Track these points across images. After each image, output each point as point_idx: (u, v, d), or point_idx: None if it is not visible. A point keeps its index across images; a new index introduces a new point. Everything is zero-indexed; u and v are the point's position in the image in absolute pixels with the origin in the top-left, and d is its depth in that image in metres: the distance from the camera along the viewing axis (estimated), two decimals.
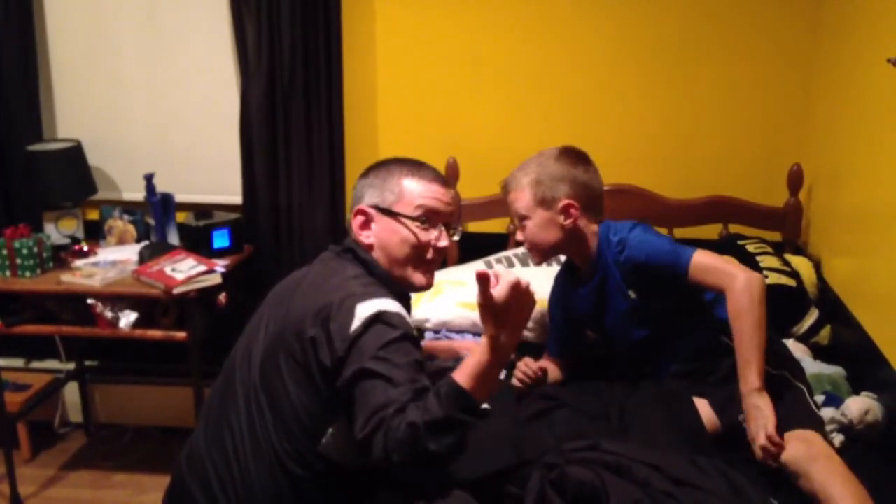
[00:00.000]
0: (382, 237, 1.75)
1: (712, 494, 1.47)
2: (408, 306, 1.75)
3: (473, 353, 1.50)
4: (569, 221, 2.03)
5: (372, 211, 1.75)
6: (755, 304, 1.82)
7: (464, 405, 1.44)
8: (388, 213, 1.75)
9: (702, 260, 1.92)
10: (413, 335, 1.58)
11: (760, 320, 1.82)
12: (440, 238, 1.76)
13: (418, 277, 1.76)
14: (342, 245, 1.78)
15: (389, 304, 1.58)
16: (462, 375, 1.47)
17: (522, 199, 2.05)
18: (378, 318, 1.54)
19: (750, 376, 1.80)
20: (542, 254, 2.10)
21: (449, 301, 2.53)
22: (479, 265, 2.77)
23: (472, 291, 2.58)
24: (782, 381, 1.92)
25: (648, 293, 2.01)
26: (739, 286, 1.83)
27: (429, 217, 1.74)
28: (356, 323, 1.52)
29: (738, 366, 1.83)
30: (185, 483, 1.70)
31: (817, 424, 1.82)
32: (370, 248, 1.75)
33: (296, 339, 1.59)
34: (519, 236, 2.10)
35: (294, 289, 1.72)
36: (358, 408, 1.48)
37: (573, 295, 2.19)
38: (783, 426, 1.77)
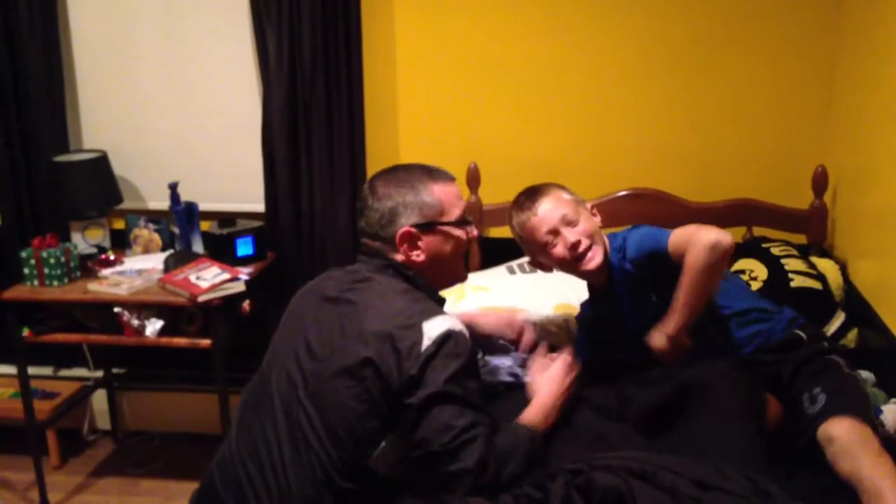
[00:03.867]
0: (434, 250, 1.78)
1: (741, 497, 1.45)
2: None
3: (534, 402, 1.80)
4: (597, 219, 2.10)
5: (417, 230, 1.75)
6: (706, 263, 1.82)
7: (535, 449, 1.67)
8: (435, 225, 1.77)
9: (677, 231, 1.93)
10: (476, 355, 1.69)
11: (706, 279, 1.83)
12: (473, 230, 1.87)
13: (463, 273, 1.91)
14: (380, 258, 1.77)
15: (454, 323, 1.64)
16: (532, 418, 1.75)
17: (565, 202, 2.06)
18: (448, 338, 1.59)
19: (668, 321, 1.88)
20: (601, 245, 2.04)
21: (472, 306, 2.53)
22: (500, 270, 2.77)
23: (495, 296, 2.60)
24: (840, 367, 1.92)
25: (664, 291, 2.00)
26: (703, 242, 1.83)
27: (467, 216, 1.82)
28: (426, 342, 1.58)
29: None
30: (216, 491, 1.70)
31: (870, 419, 1.79)
32: (422, 264, 1.77)
33: (352, 358, 1.60)
34: (573, 236, 2.01)
35: (338, 303, 1.72)
36: (435, 425, 1.56)
37: (598, 311, 2.18)
38: (844, 408, 1.75)
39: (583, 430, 1.87)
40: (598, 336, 2.22)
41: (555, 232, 2.03)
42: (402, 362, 1.57)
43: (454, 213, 1.80)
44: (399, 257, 1.76)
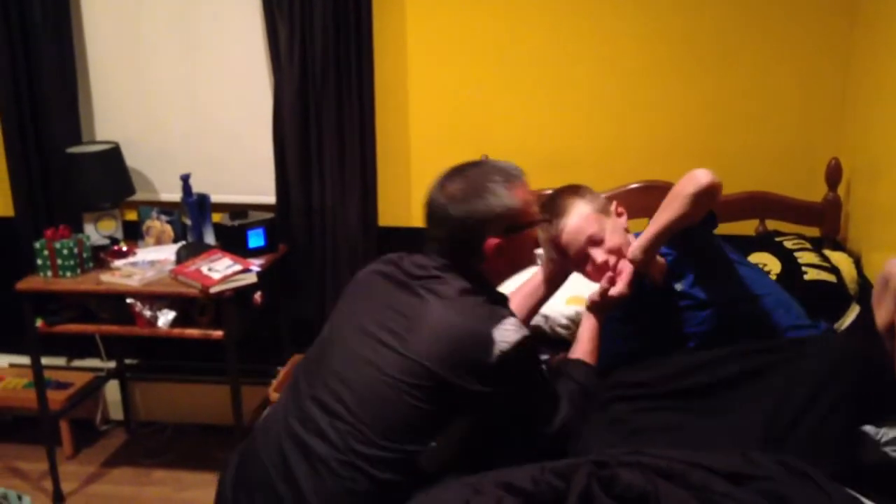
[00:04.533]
0: (517, 251, 1.76)
1: (776, 483, 1.42)
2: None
3: (583, 329, 1.95)
4: (623, 220, 2.06)
5: (505, 240, 1.71)
6: (683, 188, 1.89)
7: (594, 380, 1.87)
8: (521, 229, 1.74)
9: None
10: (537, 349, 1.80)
11: (679, 204, 1.89)
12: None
13: (535, 257, 1.88)
14: (450, 259, 1.73)
15: (520, 327, 1.67)
16: (586, 355, 1.91)
17: (588, 219, 1.99)
18: (520, 345, 1.63)
19: (639, 240, 1.94)
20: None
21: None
22: None
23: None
24: None
25: (682, 271, 1.99)
26: (691, 173, 1.89)
27: (542, 212, 1.85)
28: (497, 352, 1.61)
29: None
30: (258, 458, 1.68)
31: None
32: (503, 266, 1.77)
33: (414, 358, 1.60)
34: (600, 257, 1.97)
35: (409, 292, 1.70)
36: (531, 416, 1.75)
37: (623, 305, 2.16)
38: None
39: (618, 421, 1.83)
40: (627, 324, 2.17)
41: (582, 253, 1.99)
42: (471, 373, 1.59)
43: (533, 211, 1.77)
44: (480, 264, 1.72)
